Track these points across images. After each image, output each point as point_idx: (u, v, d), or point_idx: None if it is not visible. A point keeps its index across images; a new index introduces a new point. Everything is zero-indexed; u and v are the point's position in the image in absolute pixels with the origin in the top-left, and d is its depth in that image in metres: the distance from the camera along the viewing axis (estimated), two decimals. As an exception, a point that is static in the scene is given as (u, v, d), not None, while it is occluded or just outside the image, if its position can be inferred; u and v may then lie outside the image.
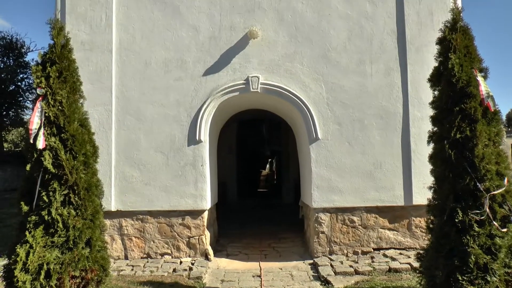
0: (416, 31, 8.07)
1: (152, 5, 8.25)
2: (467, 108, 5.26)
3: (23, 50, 21.33)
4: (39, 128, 5.53)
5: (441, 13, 8.00)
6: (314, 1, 8.20)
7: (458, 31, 5.87)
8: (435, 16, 8.06)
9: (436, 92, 5.98)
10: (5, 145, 24.29)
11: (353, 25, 8.14)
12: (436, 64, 6.12)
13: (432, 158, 5.68)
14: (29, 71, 21.16)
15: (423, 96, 7.78)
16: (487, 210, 4.69)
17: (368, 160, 8.02)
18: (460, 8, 6.27)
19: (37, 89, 5.70)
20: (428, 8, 8.11)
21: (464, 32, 5.92)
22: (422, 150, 7.72)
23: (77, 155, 5.63)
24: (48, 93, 5.65)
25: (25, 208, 5.36)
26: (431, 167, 5.75)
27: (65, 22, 8.04)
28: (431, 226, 5.54)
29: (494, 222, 4.63)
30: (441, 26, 6.34)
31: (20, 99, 21.60)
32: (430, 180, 5.80)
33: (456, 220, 4.91)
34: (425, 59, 7.83)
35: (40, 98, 5.69)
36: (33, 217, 5.30)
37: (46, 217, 5.26)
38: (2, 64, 20.95)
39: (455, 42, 5.75)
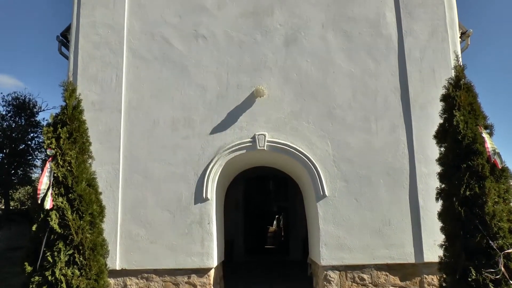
0: (419, 88, 8.21)
1: (161, 65, 8.50)
2: (475, 165, 5.26)
3: (35, 110, 21.86)
4: (48, 189, 5.56)
5: (443, 70, 8.16)
6: (319, 59, 8.43)
7: (462, 88, 5.98)
8: (437, 74, 8.23)
9: (442, 149, 6.00)
10: (12, 203, 24.30)
11: (357, 82, 8.31)
12: (441, 121, 6.18)
13: (442, 216, 5.62)
14: (39, 130, 21.55)
15: (429, 152, 7.79)
16: (502, 268, 4.57)
17: (376, 217, 7.93)
18: (462, 66, 6.42)
19: (47, 150, 5.80)
20: (430, 66, 8.29)
21: (468, 89, 6.02)
22: (431, 206, 7.62)
23: (84, 215, 5.63)
24: (57, 153, 5.74)
25: (28, 268, 5.31)
26: (441, 224, 5.68)
27: (76, 83, 8.27)
28: (444, 284, 5.39)
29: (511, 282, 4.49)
30: (444, 83, 6.48)
31: (29, 157, 21.85)
32: (440, 237, 5.71)
33: (470, 279, 4.78)
34: (429, 116, 7.90)
35: (50, 159, 5.78)
36: (36, 278, 5.24)
37: (49, 277, 5.20)
38: (14, 124, 21.40)
39: (459, 99, 5.84)
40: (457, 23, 8.63)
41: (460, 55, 8.24)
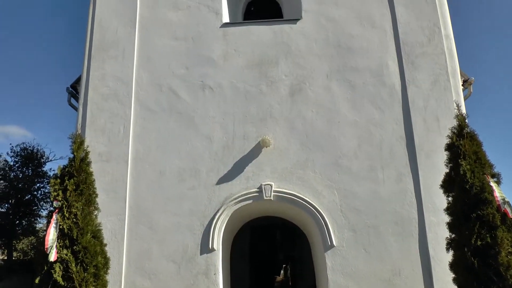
0: (424, 137, 8.24)
1: (168, 116, 8.62)
2: (485, 214, 5.21)
3: (42, 160, 21.97)
4: (54, 241, 5.54)
5: (447, 119, 8.20)
6: (323, 109, 8.52)
7: (465, 137, 6.01)
8: (441, 122, 8.27)
9: (450, 198, 5.96)
10: (14, 253, 23.99)
11: (362, 132, 8.37)
12: (447, 170, 6.17)
13: (454, 266, 5.50)
14: (46, 180, 21.60)
15: (437, 201, 7.71)
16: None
17: (386, 267, 7.75)
18: (464, 115, 6.48)
19: (54, 202, 5.81)
20: (434, 115, 8.35)
21: (472, 138, 6.05)
22: (442, 256, 7.45)
23: (88, 267, 5.57)
24: (64, 205, 5.75)
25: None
26: (453, 275, 5.55)
27: (84, 134, 8.38)
28: None
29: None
30: (448, 132, 6.53)
31: (34, 208, 21.78)
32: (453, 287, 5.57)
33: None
34: (435, 164, 7.87)
35: (57, 211, 5.78)
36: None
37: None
38: (21, 174, 21.49)
39: (464, 148, 5.86)
40: (459, 72, 8.77)
41: (462, 104, 8.36)
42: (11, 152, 21.75)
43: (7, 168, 21.62)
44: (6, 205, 21.33)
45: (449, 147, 6.23)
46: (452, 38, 8.89)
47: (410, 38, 8.82)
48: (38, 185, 21.65)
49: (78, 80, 9.62)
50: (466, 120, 6.41)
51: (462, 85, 9.11)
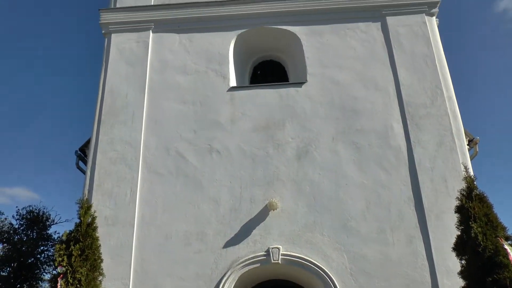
0: (432, 198, 8.16)
1: (175, 179, 8.65)
2: (501, 278, 5.06)
3: (47, 223, 21.85)
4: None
5: (455, 179, 8.17)
6: (330, 171, 8.53)
7: (475, 199, 5.96)
8: (449, 183, 8.23)
9: (463, 261, 5.81)
10: (14, 319, 23.28)
11: (370, 193, 8.32)
12: (459, 233, 6.07)
13: (471, 334, 5.28)
14: (50, 243, 21.37)
15: (450, 263, 7.50)
16: None
17: (400, 335, 7.43)
18: (473, 176, 6.45)
19: (58, 268, 5.72)
20: (441, 176, 8.32)
21: (481, 200, 6.00)
22: (458, 323, 7.16)
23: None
24: (68, 271, 5.65)
25: None
26: None
27: (91, 198, 8.38)
28: None
29: None
30: (457, 193, 6.48)
31: (37, 271, 21.37)
32: None
33: None
34: (446, 226, 7.75)
35: (61, 276, 5.68)
36: None
37: None
38: (25, 237, 21.30)
39: (474, 211, 5.80)
40: (463, 133, 8.83)
41: (469, 165, 8.33)
42: (16, 214, 21.71)
43: (11, 231, 21.47)
44: (8, 269, 20.97)
45: (459, 209, 6.17)
46: (454, 99, 9.04)
47: (413, 99, 8.98)
48: (42, 248, 21.40)
49: (86, 144, 9.76)
50: (475, 182, 6.39)
51: (468, 144, 9.15)
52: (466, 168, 6.51)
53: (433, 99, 8.94)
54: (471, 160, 9.00)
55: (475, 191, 6.15)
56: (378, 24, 9.86)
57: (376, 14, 9.95)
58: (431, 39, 9.58)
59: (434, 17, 9.99)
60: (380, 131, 8.80)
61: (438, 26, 10.10)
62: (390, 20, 9.84)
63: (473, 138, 9.44)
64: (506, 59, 37.60)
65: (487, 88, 39.23)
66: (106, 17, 10.24)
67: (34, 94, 42.29)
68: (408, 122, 8.81)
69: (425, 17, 9.86)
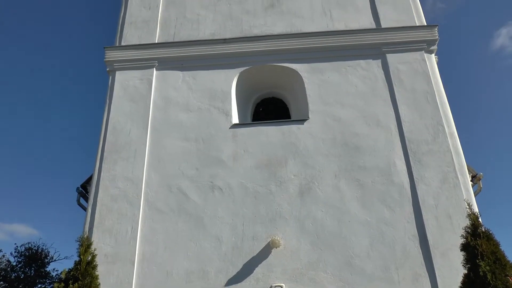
0: (438, 235, 8.05)
1: (177, 216, 8.57)
2: (512, 320, 4.93)
3: (46, 260, 21.58)
4: None
5: (460, 216, 8.06)
6: (333, 208, 8.45)
7: (481, 237, 5.87)
8: (454, 220, 8.13)
9: (472, 302, 5.67)
10: None
11: (374, 231, 8.21)
12: (466, 271, 5.95)
13: None
14: (48, 281, 21.02)
15: (458, 303, 7.33)
16: None
17: None
18: (477, 213, 6.39)
19: (57, 308, 5.60)
20: (446, 213, 8.23)
21: (488, 237, 5.91)
22: None
23: None
24: (67, 312, 5.53)
25: None
26: None
27: (92, 235, 8.28)
28: None
29: None
30: (462, 231, 6.39)
31: (31, 310, 20.96)
32: None
33: None
34: (452, 264, 7.60)
35: (58, 317, 5.55)
36: None
37: None
38: (23, 275, 20.97)
39: (481, 248, 5.71)
40: (466, 169, 8.80)
41: (473, 202, 8.25)
42: (15, 252, 21.46)
43: (8, 269, 21.17)
44: (4, 308, 20.56)
45: (464, 247, 6.08)
46: (456, 135, 9.06)
47: (415, 136, 8.99)
48: (39, 286, 21.04)
49: (88, 180, 9.75)
50: (480, 219, 6.32)
51: (471, 180, 9.11)
52: (469, 205, 6.45)
53: (435, 136, 8.96)
54: (475, 196, 8.94)
55: (480, 228, 6.08)
56: (379, 62, 10.00)
57: (376, 52, 10.11)
58: (431, 76, 9.69)
59: (433, 55, 10.15)
60: (382, 168, 8.78)
61: (437, 63, 10.26)
62: (390, 57, 9.99)
63: (477, 174, 9.41)
64: (505, 94, 37.99)
65: (488, 123, 39.48)
66: (111, 55, 10.43)
67: (35, 129, 42.56)
68: (410, 158, 8.79)
69: (425, 54, 10.02)
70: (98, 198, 8.80)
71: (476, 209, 7.26)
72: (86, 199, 9.50)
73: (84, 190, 9.84)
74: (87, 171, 9.56)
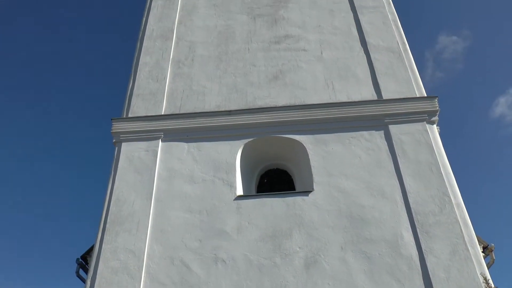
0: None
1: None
2: None
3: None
4: None
5: (472, 291, 7.79)
6: (340, 282, 8.15)
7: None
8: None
9: None
10: None
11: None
12: None
13: None
14: None
15: None
16: None
17: None
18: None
19: None
20: (458, 286, 7.86)
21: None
22: None
23: None
24: None
25: None
26: None
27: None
28: None
29: None
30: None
31: None
32: None
33: None
34: None
35: None
36: None
37: None
38: None
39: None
40: (476, 241, 8.60)
41: (488, 275, 7.97)
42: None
43: None
44: None
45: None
46: (463, 206, 8.95)
47: (421, 207, 8.88)
48: None
49: (88, 251, 9.58)
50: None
51: (483, 252, 8.87)
52: (486, 279, 6.24)
53: (441, 207, 8.84)
54: (488, 268, 8.65)
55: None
56: (381, 133, 10.12)
57: (379, 123, 10.26)
58: (434, 146, 9.74)
59: (435, 125, 10.28)
60: (389, 240, 8.59)
61: (439, 134, 10.35)
62: (393, 128, 10.11)
63: (488, 245, 9.19)
64: (509, 163, 38.02)
65: (496, 192, 39.16)
66: (118, 126, 10.62)
67: (37, 197, 42.45)
68: (418, 230, 8.61)
69: (426, 125, 10.13)
70: (98, 271, 8.58)
71: (492, 284, 7.02)
72: (86, 271, 9.28)
73: (84, 261, 9.64)
74: (88, 241, 9.42)
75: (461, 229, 8.56)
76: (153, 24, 13.27)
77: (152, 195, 9.46)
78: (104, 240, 8.97)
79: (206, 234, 8.90)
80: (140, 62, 12.18)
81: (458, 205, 8.91)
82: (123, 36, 47.59)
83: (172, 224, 9.09)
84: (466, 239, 8.45)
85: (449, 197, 8.97)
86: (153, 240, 8.92)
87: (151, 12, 13.67)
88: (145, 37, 12.90)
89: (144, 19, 13.58)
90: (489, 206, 38.63)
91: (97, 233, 9.16)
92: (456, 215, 8.73)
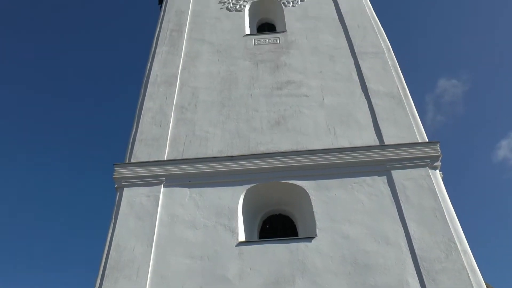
0: None
1: None
2: None
3: None
4: None
5: None
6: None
7: None
8: None
9: None
10: None
11: None
12: None
13: None
14: None
15: None
16: None
17: None
18: None
19: None
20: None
21: None
22: None
23: None
24: None
25: None
26: None
27: None
28: None
29: None
30: None
31: None
32: None
33: None
34: None
35: None
36: None
37: None
38: None
39: None
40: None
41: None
42: None
43: None
44: None
45: None
46: (469, 252, 8.77)
47: (427, 254, 8.71)
48: None
49: (88, 299, 9.35)
50: None
51: (490, 299, 8.63)
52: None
53: (447, 253, 8.68)
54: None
55: None
56: (384, 178, 10.08)
57: (381, 168, 10.24)
58: (437, 192, 9.68)
59: (437, 170, 10.24)
60: (395, 286, 8.39)
61: (442, 179, 10.31)
62: (395, 174, 10.09)
63: (494, 290, 8.94)
64: (512, 208, 37.67)
65: (503, 237, 38.54)
66: (120, 172, 10.62)
67: (36, 242, 41.94)
68: (424, 277, 8.41)
69: (429, 170, 10.11)
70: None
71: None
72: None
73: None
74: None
75: (468, 276, 8.36)
76: (157, 69, 13.53)
77: (153, 241, 9.33)
78: (103, 287, 8.79)
79: (207, 281, 8.71)
80: (144, 107, 12.33)
81: (465, 251, 8.73)
82: (127, 81, 48.57)
83: (173, 270, 8.92)
84: (474, 287, 8.25)
85: (455, 243, 8.82)
86: (154, 286, 8.73)
87: (155, 58, 13.97)
88: (149, 82, 13.12)
89: (148, 65, 13.86)
90: (497, 252, 37.96)
91: (96, 279, 8.99)
92: (463, 261, 8.55)
